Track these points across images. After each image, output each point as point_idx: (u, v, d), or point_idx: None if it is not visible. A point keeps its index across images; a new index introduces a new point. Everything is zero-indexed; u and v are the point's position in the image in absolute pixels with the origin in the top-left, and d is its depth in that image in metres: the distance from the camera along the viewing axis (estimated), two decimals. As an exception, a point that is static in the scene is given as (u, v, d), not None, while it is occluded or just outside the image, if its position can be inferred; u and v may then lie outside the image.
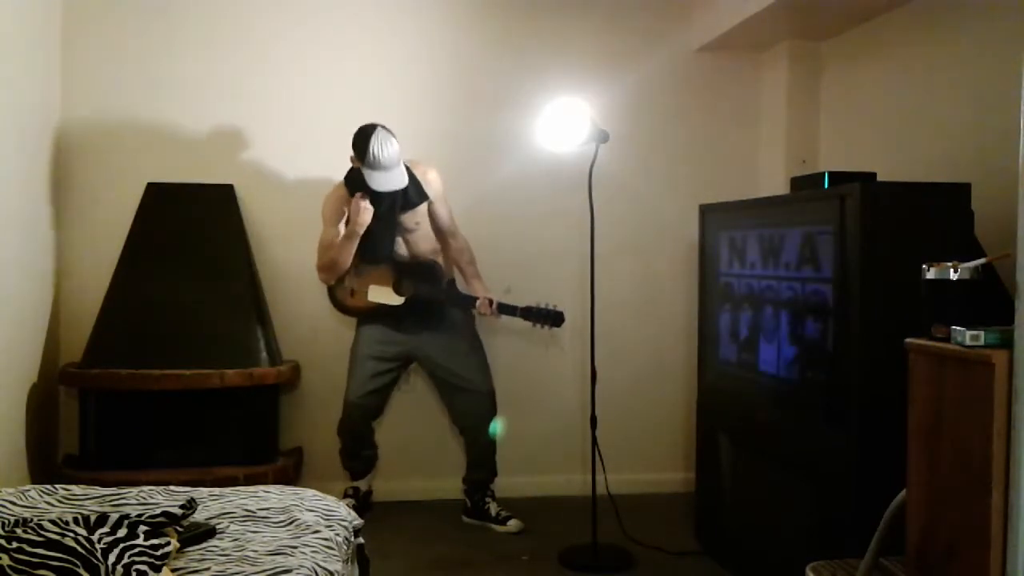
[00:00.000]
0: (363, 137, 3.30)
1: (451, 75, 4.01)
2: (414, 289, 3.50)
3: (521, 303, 3.48)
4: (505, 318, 3.56)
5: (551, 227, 4.01)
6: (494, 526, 3.60)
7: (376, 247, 3.49)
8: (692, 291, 3.56)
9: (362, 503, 3.65)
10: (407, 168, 3.40)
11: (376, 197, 3.38)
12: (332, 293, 3.62)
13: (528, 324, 3.54)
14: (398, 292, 3.51)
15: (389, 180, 3.33)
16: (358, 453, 3.74)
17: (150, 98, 3.84)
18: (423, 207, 3.53)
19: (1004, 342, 1.64)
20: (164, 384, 3.43)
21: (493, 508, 3.65)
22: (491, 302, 3.47)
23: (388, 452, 3.90)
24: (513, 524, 3.58)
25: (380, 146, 3.27)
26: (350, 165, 3.44)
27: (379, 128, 3.31)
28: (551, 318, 3.44)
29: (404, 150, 3.95)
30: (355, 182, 3.42)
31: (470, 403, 3.61)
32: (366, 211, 3.36)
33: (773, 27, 3.74)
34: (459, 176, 3.98)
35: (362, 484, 3.75)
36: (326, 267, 3.51)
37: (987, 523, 1.65)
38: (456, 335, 3.61)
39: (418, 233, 3.55)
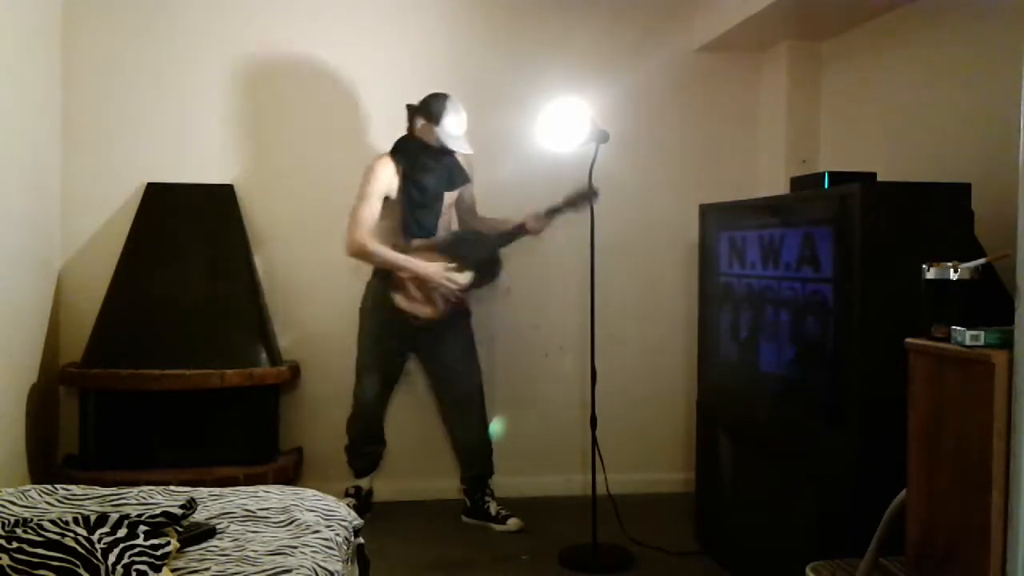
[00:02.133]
0: (440, 99, 3.40)
1: (451, 75, 4.01)
2: (474, 260, 3.46)
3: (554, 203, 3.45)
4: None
5: (551, 227, 4.00)
6: (494, 525, 3.60)
7: (423, 225, 3.46)
8: (692, 291, 3.56)
9: (363, 503, 3.64)
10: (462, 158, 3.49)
11: (427, 171, 3.41)
12: (386, 292, 3.46)
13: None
14: (464, 269, 3.44)
15: (463, 142, 3.42)
16: (366, 448, 3.70)
17: (150, 98, 3.84)
18: (456, 192, 3.56)
19: (1004, 342, 1.64)
20: (164, 384, 3.43)
21: (493, 507, 3.65)
22: (536, 217, 3.47)
23: (388, 452, 3.89)
24: (513, 523, 3.58)
25: (458, 107, 3.38)
26: (398, 137, 3.45)
27: (450, 96, 3.42)
28: (588, 197, 3.32)
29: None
30: (408, 151, 3.42)
31: (460, 396, 3.62)
32: (452, 281, 3.39)
33: (773, 27, 3.74)
34: (459, 176, 3.99)
35: (364, 483, 3.72)
36: (359, 252, 3.37)
37: (987, 523, 1.65)
38: (456, 329, 3.60)
39: (445, 218, 3.57)
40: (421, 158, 3.43)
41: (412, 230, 3.46)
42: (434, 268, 3.39)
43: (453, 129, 3.40)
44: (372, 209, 3.38)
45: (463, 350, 3.63)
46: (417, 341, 3.61)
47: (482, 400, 3.66)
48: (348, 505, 3.37)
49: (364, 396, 3.62)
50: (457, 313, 3.58)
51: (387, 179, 3.41)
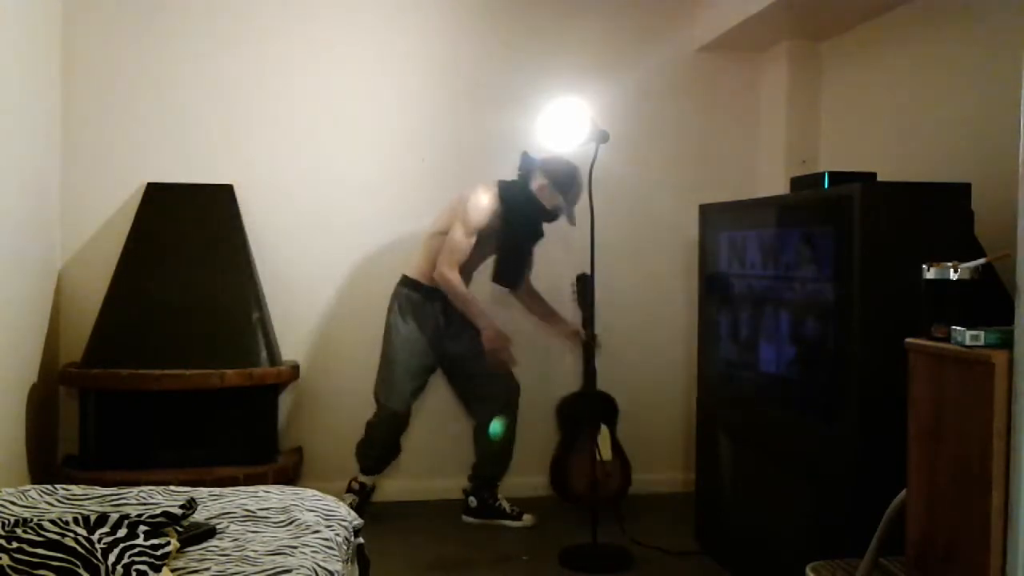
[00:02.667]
0: (570, 169, 3.44)
1: (451, 75, 4.02)
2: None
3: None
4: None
5: (551, 227, 4.00)
6: (509, 522, 3.61)
7: (512, 271, 3.62)
8: (692, 291, 3.56)
9: (364, 500, 3.62)
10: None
11: (525, 224, 3.51)
12: (433, 307, 3.56)
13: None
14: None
15: (574, 217, 3.47)
16: (382, 454, 3.65)
17: (150, 98, 3.84)
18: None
19: (1004, 342, 1.64)
20: (164, 384, 3.43)
21: (506, 504, 3.66)
22: (576, 332, 3.70)
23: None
24: (528, 518, 3.62)
25: (583, 182, 3.34)
26: (505, 180, 3.51)
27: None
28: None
29: (403, 148, 3.96)
30: (515, 201, 3.47)
31: (498, 392, 3.61)
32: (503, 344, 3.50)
33: (773, 27, 3.74)
34: (459, 176, 3.98)
35: (369, 480, 3.66)
36: (446, 284, 3.44)
37: (987, 523, 1.65)
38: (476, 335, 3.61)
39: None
40: (525, 210, 3.48)
41: (506, 276, 3.58)
42: (495, 328, 3.49)
43: (574, 202, 3.46)
44: (470, 242, 3.46)
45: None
46: (446, 351, 3.61)
47: (517, 403, 3.67)
48: (349, 500, 3.37)
49: (394, 407, 3.55)
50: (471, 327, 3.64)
51: (485, 218, 3.46)
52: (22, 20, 3.39)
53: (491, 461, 3.69)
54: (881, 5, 3.33)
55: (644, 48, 4.11)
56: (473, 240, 3.45)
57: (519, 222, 3.50)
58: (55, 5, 3.73)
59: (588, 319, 3.60)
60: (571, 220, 3.49)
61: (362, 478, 3.65)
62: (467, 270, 3.56)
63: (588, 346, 3.58)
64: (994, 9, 2.79)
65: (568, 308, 3.86)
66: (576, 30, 4.06)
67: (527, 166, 3.50)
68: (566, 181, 3.44)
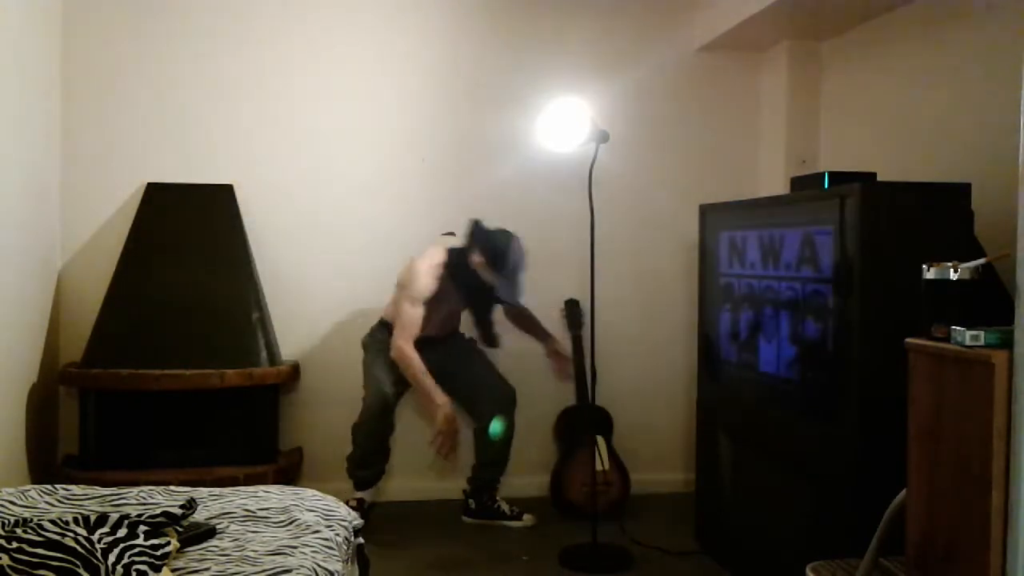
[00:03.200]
0: (505, 243, 3.38)
1: (451, 75, 4.02)
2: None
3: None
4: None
5: (551, 227, 4.01)
6: (509, 523, 3.62)
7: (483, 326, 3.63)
8: (692, 291, 3.56)
9: (364, 517, 3.56)
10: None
11: (470, 288, 3.50)
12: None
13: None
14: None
15: (517, 295, 3.45)
16: (371, 459, 3.57)
17: (150, 98, 3.84)
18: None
19: (1004, 342, 1.64)
20: (164, 384, 3.43)
21: (505, 505, 3.67)
22: (557, 354, 3.77)
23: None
24: (528, 518, 3.63)
25: (522, 256, 3.39)
26: (453, 248, 3.46)
27: (515, 238, 3.41)
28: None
29: (403, 148, 3.95)
30: (456, 270, 3.45)
31: (496, 400, 3.61)
32: (448, 423, 3.37)
33: (773, 27, 3.74)
34: (459, 176, 3.99)
35: (367, 496, 3.59)
36: (400, 359, 3.40)
37: (987, 523, 1.65)
38: (468, 348, 3.69)
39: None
40: (469, 280, 3.47)
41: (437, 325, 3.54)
42: (447, 410, 3.35)
43: (512, 277, 3.41)
44: (418, 312, 3.42)
45: (485, 363, 3.69)
46: (435, 372, 3.54)
47: (514, 407, 3.66)
48: None
49: (375, 400, 3.48)
50: (460, 338, 3.68)
51: (433, 284, 3.42)
52: (22, 20, 3.39)
53: (490, 464, 3.68)
54: (881, 5, 3.33)
55: (644, 48, 4.11)
56: (421, 309, 3.41)
57: (466, 289, 3.50)
58: (55, 5, 3.73)
59: (578, 344, 3.70)
60: (510, 298, 3.45)
61: (358, 494, 3.56)
62: (448, 320, 3.61)
63: (579, 365, 3.70)
64: (994, 9, 2.79)
65: (558, 328, 3.92)
66: (576, 30, 4.06)
67: (472, 237, 3.45)
68: (498, 259, 3.36)
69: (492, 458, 3.67)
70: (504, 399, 3.63)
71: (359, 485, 3.59)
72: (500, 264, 3.38)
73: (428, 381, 3.38)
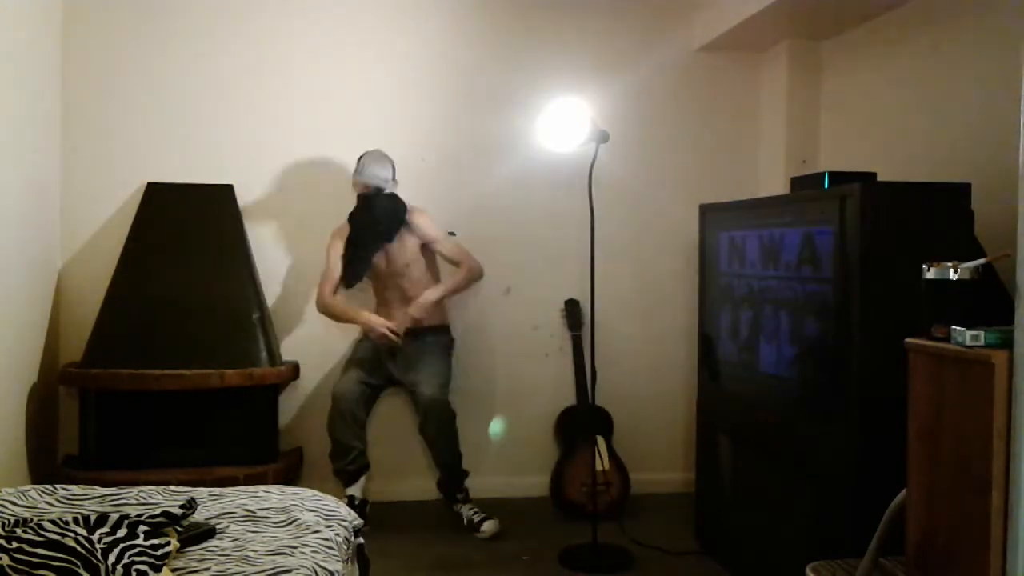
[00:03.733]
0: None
1: (451, 75, 4.01)
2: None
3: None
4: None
5: (551, 227, 4.01)
6: (474, 533, 3.52)
7: (355, 271, 3.66)
8: (692, 291, 3.56)
9: (359, 514, 3.56)
10: (397, 207, 3.63)
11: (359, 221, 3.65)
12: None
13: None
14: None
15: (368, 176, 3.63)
16: (344, 450, 3.55)
17: (150, 98, 3.84)
18: (412, 249, 3.67)
19: (1004, 342, 1.64)
20: (164, 384, 3.43)
21: (466, 514, 3.57)
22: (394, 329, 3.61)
23: (387, 452, 3.90)
24: (488, 527, 3.49)
25: (375, 156, 3.66)
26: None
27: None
28: None
29: (403, 148, 3.94)
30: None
31: (426, 408, 3.53)
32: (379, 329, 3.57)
33: (773, 27, 3.74)
34: (459, 176, 3.99)
35: (355, 491, 3.58)
36: (323, 307, 3.70)
37: (987, 523, 1.65)
38: (425, 349, 3.64)
39: (409, 277, 3.67)
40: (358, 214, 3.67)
41: (349, 277, 3.68)
42: (371, 319, 3.62)
43: (370, 169, 3.62)
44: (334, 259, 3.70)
45: (429, 364, 3.61)
46: (391, 367, 3.65)
47: (447, 411, 3.56)
48: None
49: (340, 387, 3.57)
50: (423, 333, 3.64)
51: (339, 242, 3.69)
52: (22, 20, 3.40)
53: (443, 466, 3.62)
54: (881, 5, 3.33)
55: (644, 48, 4.11)
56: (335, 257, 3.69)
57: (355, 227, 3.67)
58: (55, 5, 3.73)
59: (578, 344, 3.72)
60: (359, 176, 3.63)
61: (347, 492, 3.56)
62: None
63: (579, 365, 3.73)
64: (994, 9, 2.79)
65: (558, 328, 3.94)
66: (576, 30, 4.06)
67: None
68: (358, 165, 3.65)
69: (443, 460, 3.60)
70: (431, 406, 3.51)
71: (344, 481, 3.60)
72: (358, 165, 3.63)
73: (352, 313, 3.63)
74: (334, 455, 3.61)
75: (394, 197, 3.63)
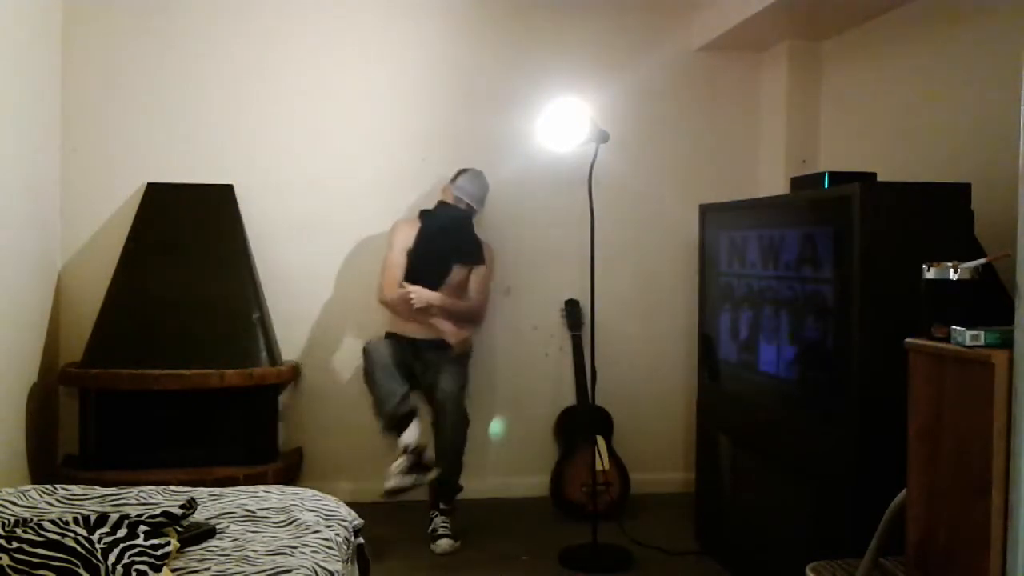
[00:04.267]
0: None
1: (451, 75, 4.01)
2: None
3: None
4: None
5: (551, 227, 4.02)
6: (430, 543, 3.40)
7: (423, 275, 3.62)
8: (692, 291, 3.56)
9: (418, 460, 3.39)
10: (472, 233, 3.73)
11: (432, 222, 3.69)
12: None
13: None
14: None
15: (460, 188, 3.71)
16: (390, 392, 3.39)
17: (150, 98, 3.84)
18: (466, 272, 3.70)
19: (1004, 342, 1.64)
20: (164, 384, 3.43)
21: (436, 522, 3.45)
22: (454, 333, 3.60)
23: (387, 452, 3.89)
24: (444, 544, 3.35)
25: (474, 173, 3.76)
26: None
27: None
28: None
29: (403, 148, 3.93)
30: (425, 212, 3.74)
31: (442, 400, 3.45)
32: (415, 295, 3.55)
33: (773, 27, 3.74)
34: (459, 176, 3.99)
35: (410, 438, 3.36)
36: (385, 303, 3.68)
37: (987, 523, 1.65)
38: (446, 358, 3.57)
39: (448, 287, 3.66)
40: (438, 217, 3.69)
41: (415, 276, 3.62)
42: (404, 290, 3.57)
43: (465, 185, 3.69)
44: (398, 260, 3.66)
45: (451, 374, 3.51)
46: (415, 365, 3.59)
47: (462, 410, 3.49)
48: (400, 464, 3.33)
49: (373, 343, 3.51)
50: (446, 346, 3.58)
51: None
52: (22, 20, 3.40)
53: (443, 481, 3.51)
54: (881, 5, 3.33)
55: (644, 48, 4.11)
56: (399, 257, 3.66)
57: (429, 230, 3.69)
58: (55, 5, 3.73)
59: (578, 344, 3.72)
60: (455, 189, 3.68)
61: (402, 441, 3.38)
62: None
63: (579, 365, 3.73)
64: (994, 9, 2.79)
65: (558, 328, 3.95)
66: (576, 30, 4.06)
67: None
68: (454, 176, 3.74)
69: (445, 458, 3.45)
70: (448, 398, 3.44)
71: (396, 428, 3.40)
72: (455, 175, 3.72)
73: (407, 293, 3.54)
74: (378, 402, 3.41)
75: (471, 222, 3.72)
